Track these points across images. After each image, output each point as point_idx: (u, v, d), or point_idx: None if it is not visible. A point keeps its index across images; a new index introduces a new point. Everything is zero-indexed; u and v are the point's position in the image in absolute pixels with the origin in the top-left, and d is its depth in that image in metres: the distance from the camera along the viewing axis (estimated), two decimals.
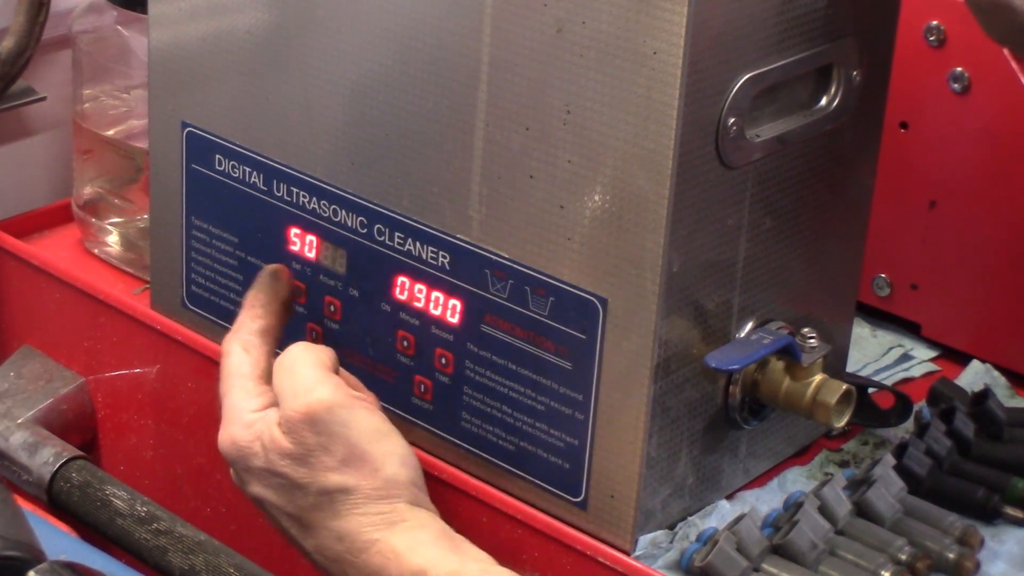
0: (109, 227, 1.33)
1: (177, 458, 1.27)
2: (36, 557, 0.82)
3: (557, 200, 0.99)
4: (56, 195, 1.42)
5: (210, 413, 1.21)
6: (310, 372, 1.01)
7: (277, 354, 1.05)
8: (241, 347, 1.05)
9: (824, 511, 1.04)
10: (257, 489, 1.02)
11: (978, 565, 1.04)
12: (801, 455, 1.14)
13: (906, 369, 1.24)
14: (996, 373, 1.22)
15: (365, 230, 1.09)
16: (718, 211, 0.99)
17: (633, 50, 0.94)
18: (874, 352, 1.25)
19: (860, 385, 1.11)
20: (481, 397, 1.06)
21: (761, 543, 1.02)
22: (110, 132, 1.33)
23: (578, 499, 1.04)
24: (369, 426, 1.00)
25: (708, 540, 1.02)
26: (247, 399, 1.02)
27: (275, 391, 1.02)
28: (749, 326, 1.05)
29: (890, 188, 1.21)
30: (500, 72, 1.00)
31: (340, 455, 0.98)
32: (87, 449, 1.29)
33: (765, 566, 1.01)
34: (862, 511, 1.06)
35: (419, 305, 1.08)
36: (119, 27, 1.32)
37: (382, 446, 1.00)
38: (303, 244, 1.13)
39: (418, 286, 1.07)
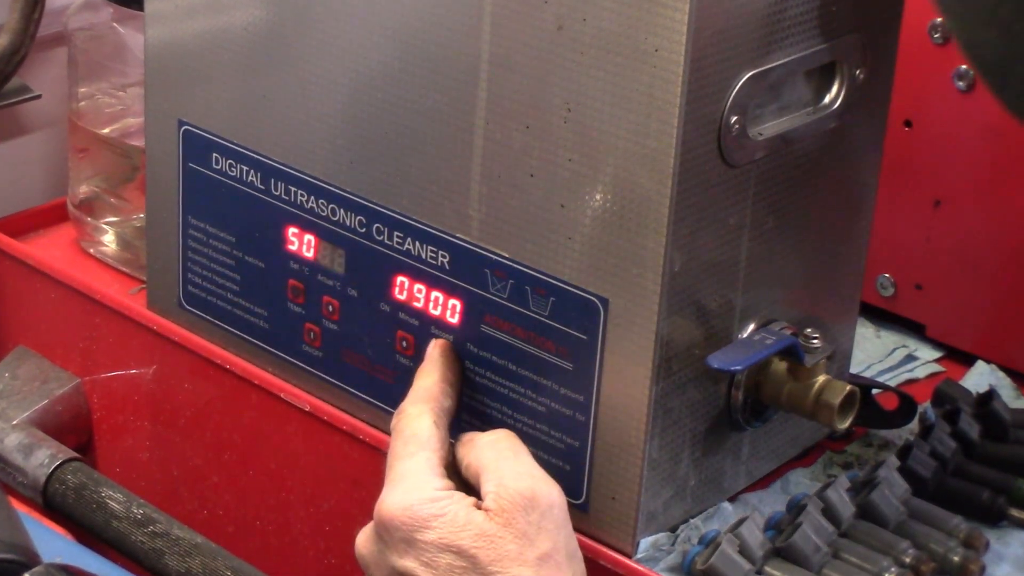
0: (105, 226, 1.34)
1: (174, 460, 1.27)
2: (31, 560, 0.82)
3: (558, 199, 0.99)
4: (51, 194, 1.42)
5: (207, 414, 1.22)
6: (533, 462, 0.97)
7: None
8: (433, 419, 0.99)
9: (827, 513, 1.04)
10: (410, 564, 0.93)
11: (983, 568, 1.04)
12: (804, 457, 1.14)
13: (910, 370, 1.24)
14: (1001, 374, 1.22)
15: (364, 229, 1.09)
16: (720, 210, 0.99)
17: (634, 47, 0.94)
18: (878, 353, 1.25)
19: (864, 386, 1.12)
20: (481, 398, 1.06)
21: (764, 546, 1.02)
22: (106, 130, 1.34)
23: (579, 501, 1.03)
24: (573, 541, 0.95)
25: (710, 543, 1.02)
26: (433, 475, 0.95)
27: (478, 467, 0.96)
28: (752, 326, 1.05)
29: (894, 187, 1.21)
30: (500, 69, 0.99)
31: (539, 552, 0.92)
32: (83, 451, 1.30)
33: (768, 569, 1.01)
34: (866, 513, 1.06)
35: (418, 305, 1.07)
36: (115, 24, 1.32)
37: (575, 567, 0.94)
38: (301, 243, 1.13)
39: (417, 286, 1.07)
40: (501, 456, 0.96)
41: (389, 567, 0.94)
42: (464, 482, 0.98)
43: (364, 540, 0.97)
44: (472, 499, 0.94)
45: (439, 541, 0.92)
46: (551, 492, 0.94)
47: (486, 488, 0.94)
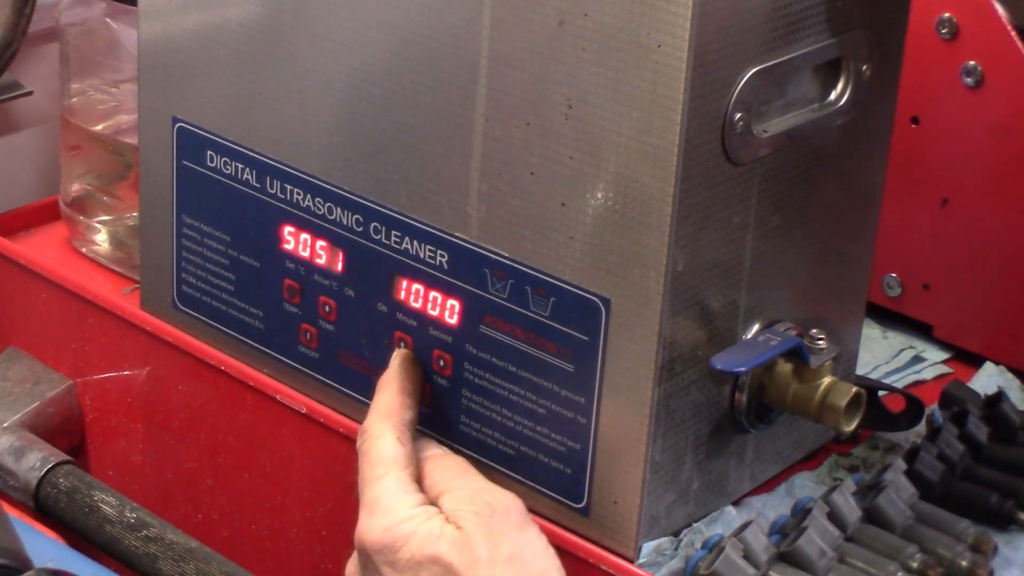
0: (97, 225, 1.34)
1: (167, 463, 1.27)
2: (22, 565, 0.82)
3: (558, 197, 0.99)
4: (43, 192, 1.43)
5: (201, 417, 1.23)
6: (481, 476, 1.01)
7: None
8: (395, 436, 1.01)
9: (833, 517, 1.04)
10: None
11: (991, 572, 1.04)
12: (809, 460, 1.14)
13: (918, 371, 1.24)
14: (1010, 375, 1.22)
15: (361, 228, 1.09)
16: (724, 208, 0.99)
17: (637, 43, 0.94)
18: (885, 354, 1.26)
19: (870, 388, 1.12)
20: (480, 400, 1.06)
21: (768, 550, 1.02)
22: (99, 127, 1.34)
23: (580, 505, 1.03)
24: (537, 540, 0.98)
25: (714, 547, 1.02)
26: (404, 493, 0.99)
27: (439, 483, 1.00)
28: (756, 327, 1.05)
29: (901, 185, 1.22)
30: (500, 65, 0.99)
31: (507, 554, 0.95)
32: (75, 453, 1.30)
33: (772, 574, 1.01)
34: (872, 517, 1.06)
35: (416, 305, 1.07)
36: (108, 19, 1.33)
37: (544, 563, 0.97)
38: (297, 243, 1.13)
39: (415, 286, 1.07)
40: (454, 477, 1.00)
41: None
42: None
43: (352, 570, 1.00)
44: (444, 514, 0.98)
45: (418, 554, 0.95)
46: (504, 498, 0.98)
47: (447, 507, 0.98)
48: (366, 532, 0.97)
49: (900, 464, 1.08)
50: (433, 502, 0.99)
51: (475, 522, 0.95)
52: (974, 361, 1.24)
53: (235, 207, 1.16)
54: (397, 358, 1.06)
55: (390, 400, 1.03)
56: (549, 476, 1.04)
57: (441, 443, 1.08)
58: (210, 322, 1.20)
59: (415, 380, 1.06)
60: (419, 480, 1.00)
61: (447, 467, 1.01)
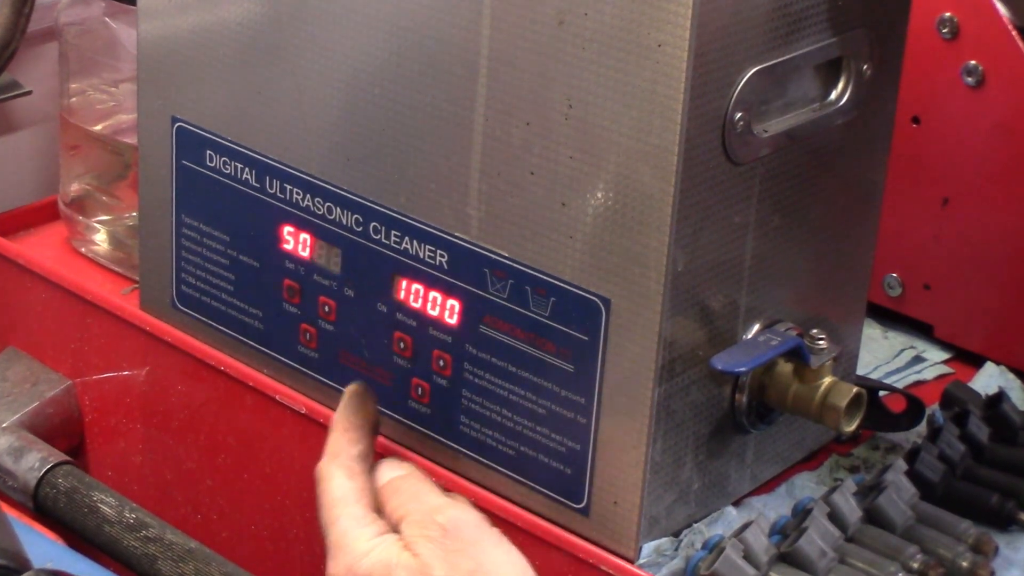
0: (97, 225, 1.34)
1: (167, 463, 1.27)
2: (21, 566, 0.82)
3: (558, 197, 0.99)
4: (42, 192, 1.42)
5: (201, 417, 1.23)
6: (434, 490, 1.00)
7: None
8: (345, 474, 1.02)
9: (834, 518, 1.04)
10: None
11: (992, 573, 1.04)
12: (810, 460, 1.14)
13: (918, 371, 1.24)
14: (1011, 375, 1.22)
15: (360, 228, 1.09)
16: (724, 208, 0.99)
17: (637, 42, 0.94)
18: (885, 354, 1.26)
19: (871, 388, 1.11)
20: (480, 400, 1.06)
21: (769, 551, 1.01)
22: (98, 127, 1.34)
23: (580, 505, 1.03)
24: (498, 547, 0.97)
25: (714, 548, 1.01)
26: (360, 528, 0.99)
27: (397, 509, 1.00)
28: (756, 327, 1.04)
29: (902, 185, 1.22)
30: (500, 65, 0.99)
31: (465, 571, 0.95)
32: (74, 454, 1.30)
33: (773, 574, 1.01)
34: (873, 518, 1.06)
35: (416, 306, 1.07)
36: (107, 19, 1.33)
37: (507, 569, 0.97)
38: (296, 243, 1.12)
39: (415, 286, 1.07)
40: (412, 500, 0.99)
41: None
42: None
43: None
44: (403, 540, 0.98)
45: None
46: (455, 514, 0.98)
47: (405, 534, 0.98)
48: (334, 574, 0.98)
49: (901, 464, 1.08)
50: (395, 528, 0.99)
51: (430, 547, 0.95)
52: (975, 361, 1.23)
53: (234, 207, 1.15)
54: (345, 395, 1.05)
55: (336, 440, 1.03)
56: (549, 476, 1.04)
57: (439, 442, 1.08)
58: (209, 322, 1.20)
59: (362, 412, 1.05)
60: (380, 508, 1.00)
61: (402, 491, 1.01)
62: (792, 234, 1.04)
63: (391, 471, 1.03)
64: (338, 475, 1.01)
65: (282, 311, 1.15)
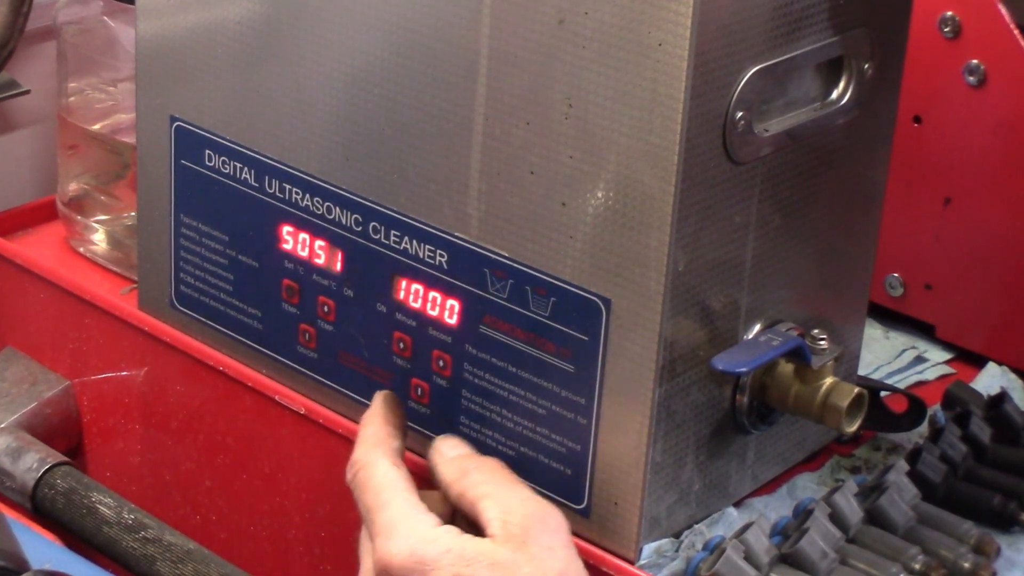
0: (95, 225, 1.33)
1: (165, 464, 1.27)
2: (20, 567, 0.82)
3: (559, 197, 0.99)
4: (40, 192, 1.42)
5: (200, 417, 1.22)
6: (529, 487, 0.98)
7: None
8: (390, 461, 1.00)
9: (835, 519, 1.04)
10: None
11: (994, 574, 1.04)
12: (811, 461, 1.14)
13: (920, 372, 1.24)
14: (1013, 376, 1.22)
15: (360, 228, 1.09)
16: (725, 208, 0.99)
17: (638, 41, 0.93)
18: (887, 354, 1.26)
19: (872, 388, 1.11)
20: (480, 401, 1.06)
21: (770, 552, 1.01)
22: (96, 127, 1.34)
23: (580, 506, 1.03)
24: (579, 561, 0.96)
25: (715, 549, 1.01)
26: (420, 514, 0.97)
27: (474, 496, 0.97)
28: (757, 327, 1.04)
29: (903, 184, 1.22)
30: (500, 64, 0.99)
31: (554, 574, 0.93)
32: (72, 455, 1.30)
33: (774, 575, 1.01)
34: (874, 519, 1.05)
35: (416, 306, 1.07)
36: (105, 18, 1.33)
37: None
38: (296, 242, 1.12)
39: (415, 286, 1.07)
40: (499, 483, 0.97)
41: None
42: (444, 512, 0.99)
43: None
44: (466, 533, 0.95)
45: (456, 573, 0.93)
46: (556, 514, 0.96)
47: (489, 515, 0.95)
48: (390, 555, 0.94)
49: (902, 465, 1.08)
50: (465, 509, 0.97)
51: (520, 539, 0.93)
52: (977, 361, 1.23)
53: (233, 207, 1.15)
54: (378, 398, 1.05)
55: (375, 431, 1.02)
56: (549, 477, 1.03)
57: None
58: (208, 322, 1.20)
59: (399, 415, 1.04)
60: (438, 485, 0.99)
61: (494, 474, 0.98)
62: (793, 234, 1.04)
63: (453, 449, 1.01)
64: (383, 461, 0.99)
65: (281, 311, 1.14)
